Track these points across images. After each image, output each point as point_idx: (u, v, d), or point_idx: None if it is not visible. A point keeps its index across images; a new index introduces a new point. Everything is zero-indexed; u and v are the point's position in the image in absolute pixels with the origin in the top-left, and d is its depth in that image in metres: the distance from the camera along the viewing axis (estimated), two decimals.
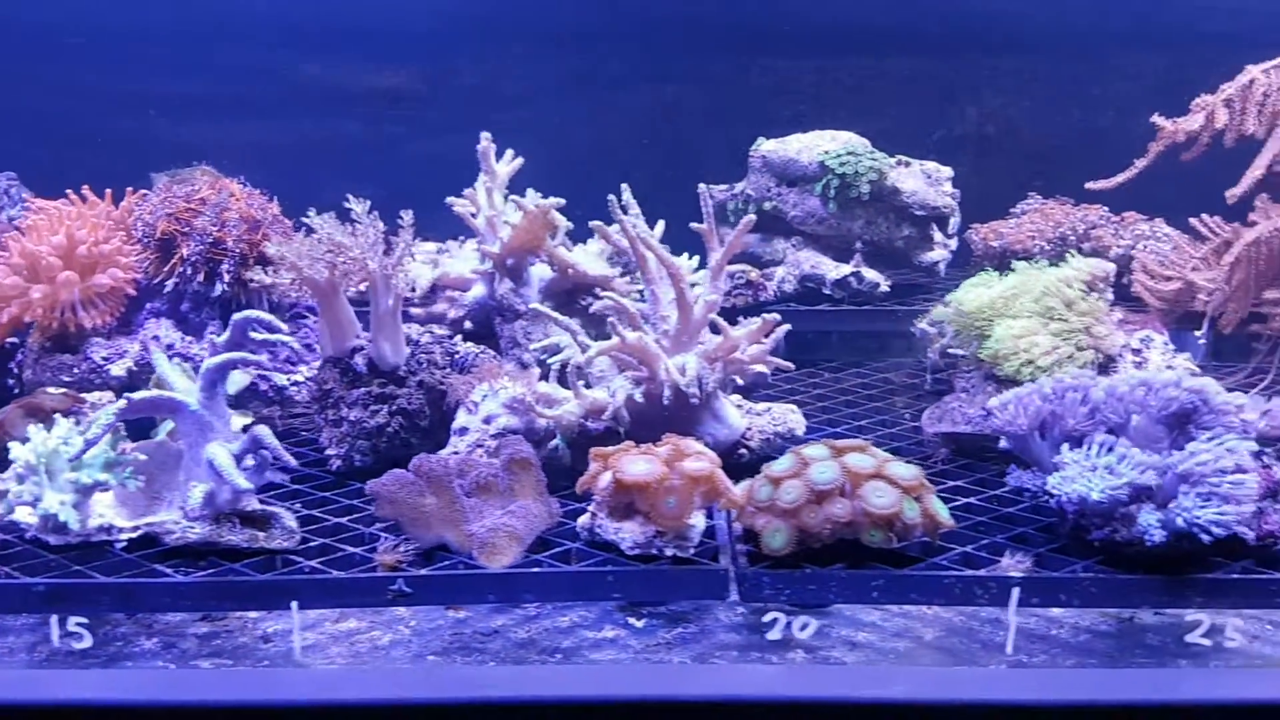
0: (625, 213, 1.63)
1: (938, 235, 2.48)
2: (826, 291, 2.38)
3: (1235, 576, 1.35)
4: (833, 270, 2.39)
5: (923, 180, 2.40)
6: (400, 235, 1.64)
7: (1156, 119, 1.98)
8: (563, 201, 1.83)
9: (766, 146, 2.47)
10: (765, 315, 1.59)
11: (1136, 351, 1.80)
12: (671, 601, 1.47)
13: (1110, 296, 1.84)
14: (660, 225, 1.79)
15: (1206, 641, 1.28)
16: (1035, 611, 1.51)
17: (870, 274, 2.38)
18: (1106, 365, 1.75)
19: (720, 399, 1.67)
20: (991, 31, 2.82)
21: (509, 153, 1.95)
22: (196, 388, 1.39)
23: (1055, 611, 1.54)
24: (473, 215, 1.87)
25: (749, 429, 1.72)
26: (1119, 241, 2.32)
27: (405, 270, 1.63)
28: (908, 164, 2.42)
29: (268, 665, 1.33)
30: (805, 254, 2.46)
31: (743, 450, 1.72)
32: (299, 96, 2.70)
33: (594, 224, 1.63)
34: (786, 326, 1.68)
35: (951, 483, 1.71)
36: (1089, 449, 1.36)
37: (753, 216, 1.64)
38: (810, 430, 2.00)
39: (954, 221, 2.44)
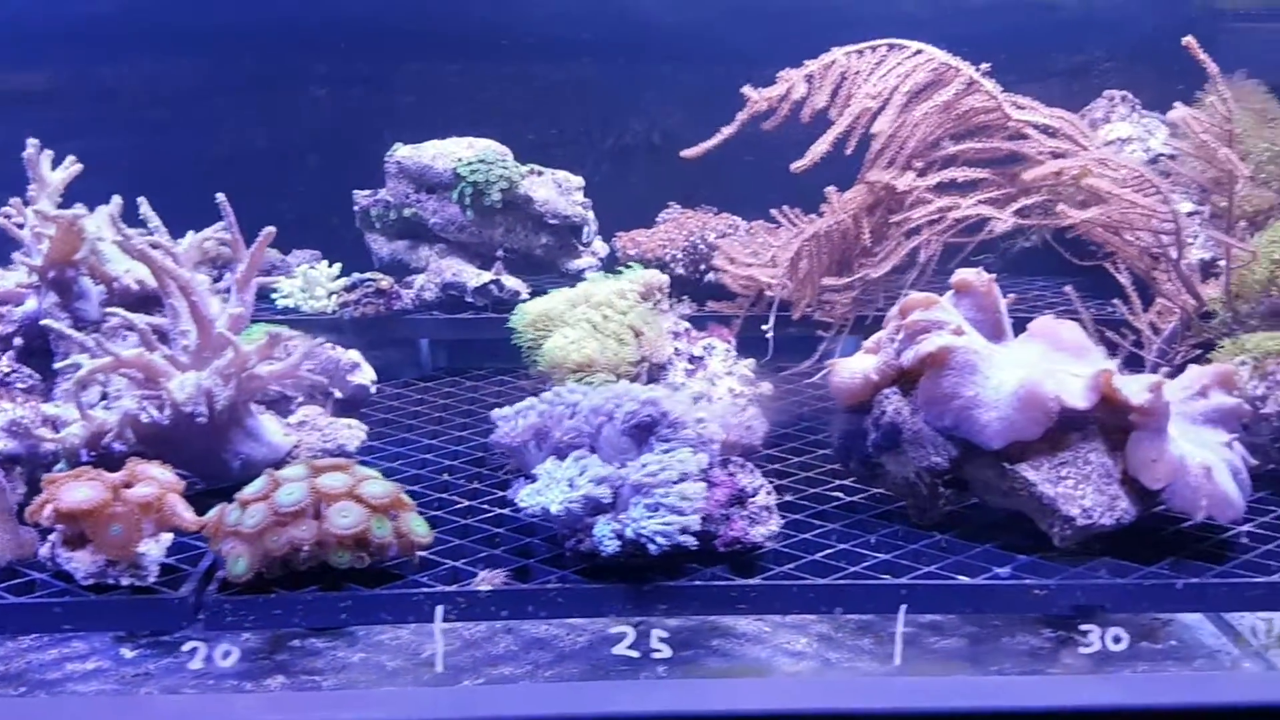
0: (146, 225, 1.57)
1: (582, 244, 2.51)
2: (469, 299, 2.37)
3: (698, 583, 1.39)
4: (474, 278, 2.38)
5: (554, 189, 2.43)
6: None
7: (745, 89, 2.04)
8: (82, 210, 1.76)
9: (402, 152, 2.45)
10: (270, 330, 1.56)
11: (697, 359, 1.85)
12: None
13: (665, 306, 1.89)
14: (189, 236, 1.73)
15: (634, 653, 1.32)
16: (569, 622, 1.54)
17: (511, 282, 2.38)
18: (657, 374, 1.80)
19: (255, 416, 1.64)
20: (657, 41, 2.87)
21: (69, 159, 1.87)
22: None
23: (578, 621, 1.57)
24: (19, 225, 1.78)
25: (296, 446, 1.69)
26: (744, 251, 2.39)
27: None
28: (540, 173, 2.44)
29: None
30: (448, 261, 2.45)
31: None
32: None
33: (116, 240, 1.57)
34: (318, 341, 1.65)
35: (500, 494, 1.72)
36: (562, 462, 1.38)
37: (272, 229, 1.61)
38: (402, 444, 1.97)
39: (588, 230, 2.47)
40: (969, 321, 1.57)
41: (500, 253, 2.45)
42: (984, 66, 1.98)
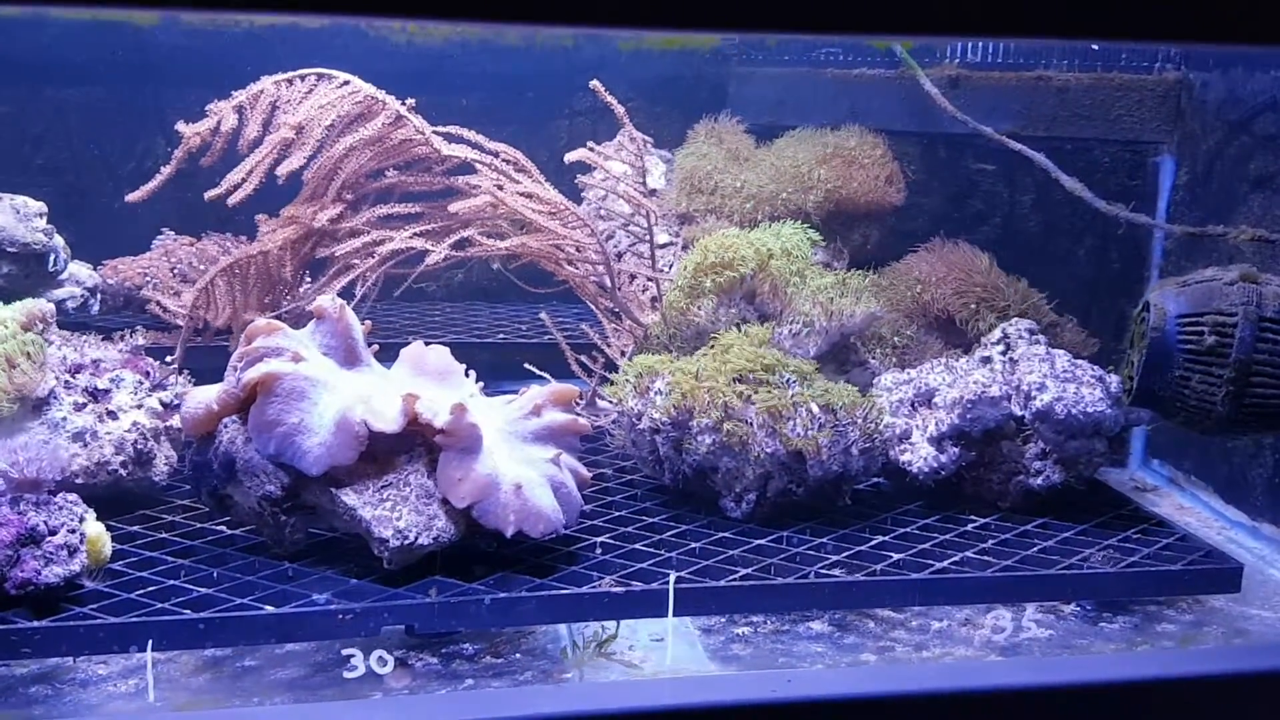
0: None
1: (66, 274, 2.38)
2: None
3: None
4: None
5: (13, 216, 2.28)
6: None
7: (180, 125, 1.99)
8: None
9: None
10: None
11: (102, 392, 1.77)
12: None
13: (52, 337, 1.80)
14: None
15: None
16: None
17: None
18: (40, 407, 1.71)
19: None
20: (179, 66, 2.77)
21: None
22: None
23: None
24: None
25: None
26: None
27: None
28: None
29: None
30: None
31: None
32: None
33: None
34: None
35: None
36: None
37: None
38: None
39: (55, 258, 2.34)
40: (326, 348, 1.58)
41: None
42: (410, 101, 2.01)
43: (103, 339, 1.95)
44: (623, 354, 2.27)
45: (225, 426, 1.51)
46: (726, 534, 1.70)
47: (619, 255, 2.54)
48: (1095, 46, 2.30)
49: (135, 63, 2.76)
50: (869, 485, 1.95)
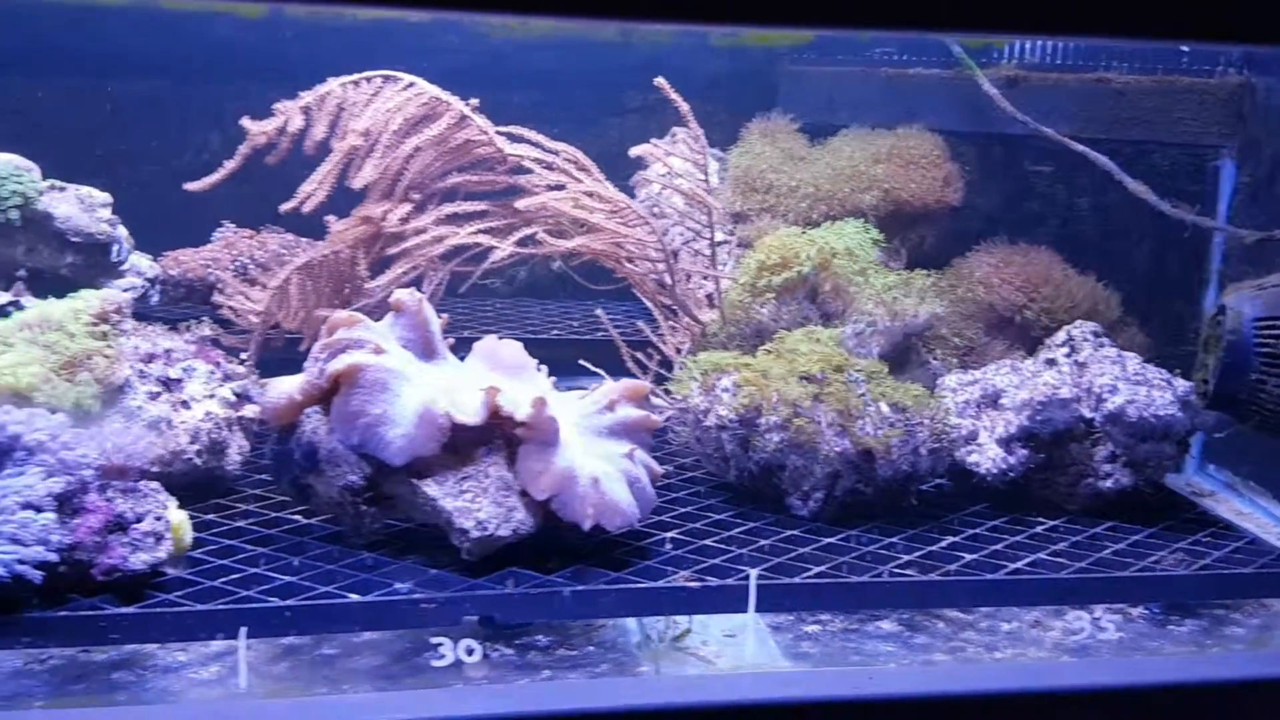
0: None
1: (128, 264, 2.40)
2: None
3: (64, 614, 1.33)
4: None
5: (78, 206, 2.31)
6: None
7: (244, 121, 2.01)
8: None
9: None
10: None
11: (174, 382, 1.79)
12: None
13: (126, 327, 1.82)
14: None
15: None
16: None
17: (32, 304, 2.23)
18: (116, 396, 1.73)
19: None
20: (237, 59, 2.80)
21: None
22: None
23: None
24: None
25: None
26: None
27: None
28: (62, 189, 2.31)
29: None
30: None
31: None
32: None
33: None
34: None
35: None
36: None
37: None
38: None
39: (118, 248, 2.36)
40: (404, 341, 1.59)
41: (22, 273, 2.30)
42: (473, 101, 2.02)
43: (168, 329, 1.98)
44: (678, 351, 2.28)
45: (308, 417, 1.52)
46: (794, 532, 1.70)
47: (674, 253, 2.55)
48: (1183, 48, 2.29)
49: (192, 55, 2.78)
50: (931, 486, 1.94)
